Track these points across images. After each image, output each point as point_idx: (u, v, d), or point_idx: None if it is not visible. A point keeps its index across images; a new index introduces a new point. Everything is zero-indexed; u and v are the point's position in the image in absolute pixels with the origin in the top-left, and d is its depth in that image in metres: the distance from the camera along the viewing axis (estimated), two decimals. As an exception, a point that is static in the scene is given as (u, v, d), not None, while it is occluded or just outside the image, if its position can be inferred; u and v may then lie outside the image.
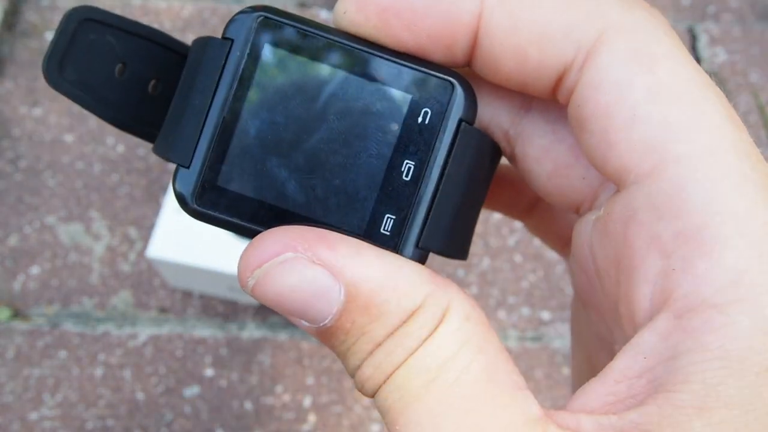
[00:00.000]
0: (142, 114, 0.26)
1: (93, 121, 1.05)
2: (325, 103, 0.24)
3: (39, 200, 0.99)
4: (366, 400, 0.88)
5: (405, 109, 0.24)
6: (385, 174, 0.24)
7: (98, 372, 0.90)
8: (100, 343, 0.91)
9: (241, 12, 0.24)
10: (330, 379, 0.90)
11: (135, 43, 0.26)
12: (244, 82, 0.24)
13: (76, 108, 1.06)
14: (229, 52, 0.24)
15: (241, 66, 0.24)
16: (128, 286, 0.95)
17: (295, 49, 0.24)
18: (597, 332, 0.27)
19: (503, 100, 0.27)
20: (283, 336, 0.92)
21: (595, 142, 0.23)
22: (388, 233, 0.24)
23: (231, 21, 0.24)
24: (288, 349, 0.91)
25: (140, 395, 0.89)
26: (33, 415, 0.88)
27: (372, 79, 0.24)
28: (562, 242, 0.33)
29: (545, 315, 0.95)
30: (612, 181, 0.23)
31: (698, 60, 1.13)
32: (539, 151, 0.27)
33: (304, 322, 0.23)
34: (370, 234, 0.24)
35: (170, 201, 0.86)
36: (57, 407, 0.88)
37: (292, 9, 1.15)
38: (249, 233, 0.24)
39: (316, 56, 0.24)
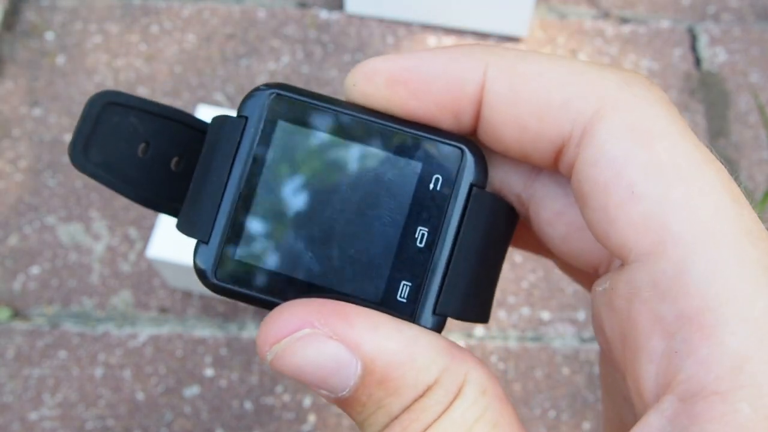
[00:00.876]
0: (166, 190, 0.27)
1: (93, 121, 1.05)
2: (338, 174, 0.25)
3: (39, 200, 0.99)
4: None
5: (416, 177, 0.25)
6: (400, 241, 0.25)
7: (98, 372, 0.90)
8: (100, 343, 0.91)
9: (256, 89, 0.25)
10: (330, 379, 0.90)
11: (157, 122, 0.27)
12: (258, 158, 0.25)
13: (76, 108, 1.06)
14: (243, 129, 0.25)
15: (256, 142, 0.25)
16: (128, 286, 0.95)
17: (307, 124, 0.25)
18: (622, 390, 0.28)
19: (513, 163, 0.27)
20: (283, 336, 0.92)
21: (596, 217, 0.23)
22: (404, 300, 0.25)
23: (245, 99, 0.25)
24: (288, 349, 0.91)
25: (140, 395, 0.89)
26: (33, 415, 0.88)
27: (383, 148, 0.25)
28: (592, 281, 0.33)
29: (545, 315, 0.95)
30: (615, 256, 0.23)
31: (698, 60, 1.13)
32: (551, 215, 0.27)
33: (322, 391, 0.23)
34: (386, 302, 0.25)
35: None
36: (57, 407, 0.88)
37: (291, 9, 1.15)
38: (268, 306, 0.25)
39: (327, 129, 0.25)
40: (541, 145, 0.24)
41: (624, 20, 1.17)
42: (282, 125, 0.25)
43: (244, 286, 0.25)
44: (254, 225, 0.25)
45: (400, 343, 0.23)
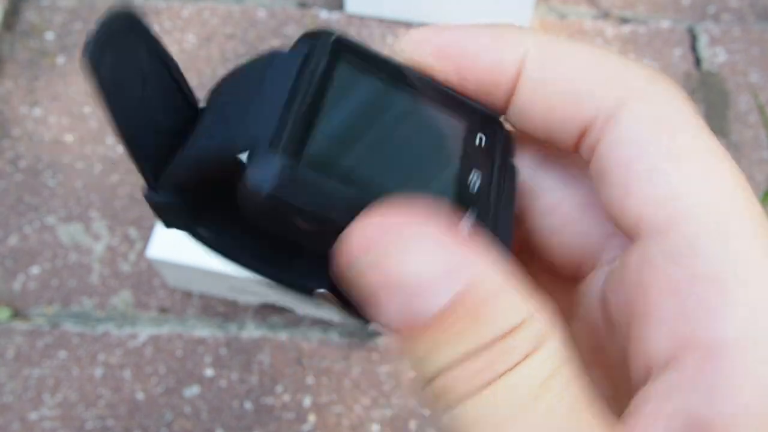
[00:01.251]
0: (152, 139, 0.26)
1: (93, 121, 1.05)
2: (394, 121, 0.25)
3: (39, 200, 0.99)
4: (366, 400, 0.88)
5: (464, 131, 0.26)
6: (456, 186, 0.25)
7: (98, 372, 0.90)
8: (100, 343, 0.91)
9: (314, 31, 0.25)
10: (330, 379, 0.90)
11: (157, 66, 0.25)
12: (319, 93, 0.24)
13: (76, 108, 1.06)
14: (304, 61, 0.24)
15: (316, 78, 0.24)
16: (128, 286, 0.95)
17: (365, 71, 0.25)
18: (601, 393, 0.27)
19: (525, 149, 0.28)
20: (283, 336, 0.92)
21: (615, 193, 0.24)
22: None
23: (304, 37, 0.25)
24: (288, 349, 0.91)
25: (140, 395, 0.89)
26: (33, 415, 0.88)
27: (433, 103, 0.26)
28: (565, 291, 0.33)
29: (545, 315, 0.95)
30: (628, 234, 0.24)
31: (698, 60, 1.13)
32: (547, 207, 0.28)
33: (391, 312, 0.20)
34: None
35: (170, 201, 0.86)
36: (57, 407, 0.88)
37: (291, 9, 1.15)
38: (325, 231, 0.22)
39: (385, 79, 0.25)
40: (567, 126, 0.25)
41: (624, 20, 1.17)
42: (343, 67, 0.25)
43: (310, 204, 0.22)
44: (317, 150, 0.23)
45: (501, 275, 0.21)
